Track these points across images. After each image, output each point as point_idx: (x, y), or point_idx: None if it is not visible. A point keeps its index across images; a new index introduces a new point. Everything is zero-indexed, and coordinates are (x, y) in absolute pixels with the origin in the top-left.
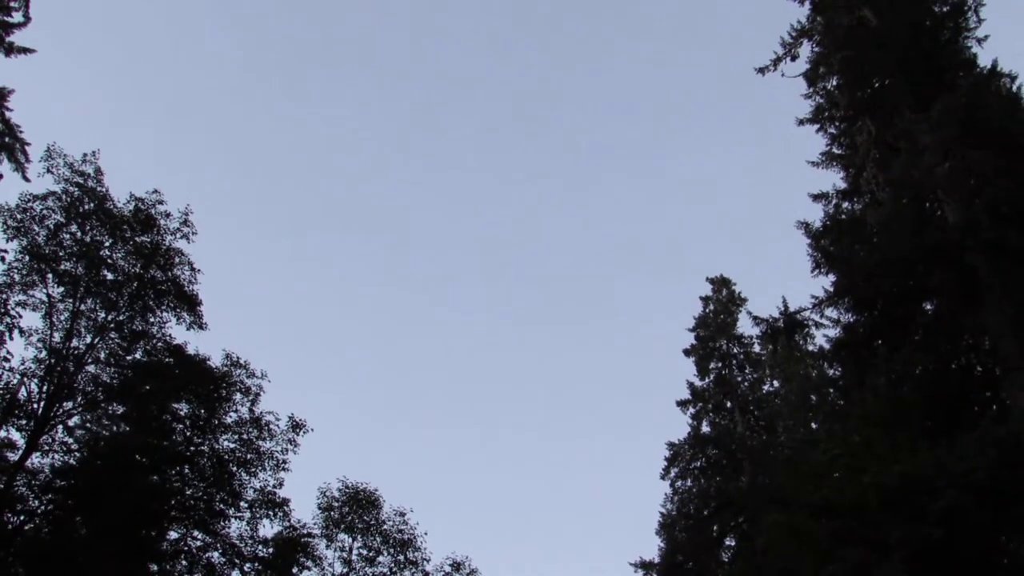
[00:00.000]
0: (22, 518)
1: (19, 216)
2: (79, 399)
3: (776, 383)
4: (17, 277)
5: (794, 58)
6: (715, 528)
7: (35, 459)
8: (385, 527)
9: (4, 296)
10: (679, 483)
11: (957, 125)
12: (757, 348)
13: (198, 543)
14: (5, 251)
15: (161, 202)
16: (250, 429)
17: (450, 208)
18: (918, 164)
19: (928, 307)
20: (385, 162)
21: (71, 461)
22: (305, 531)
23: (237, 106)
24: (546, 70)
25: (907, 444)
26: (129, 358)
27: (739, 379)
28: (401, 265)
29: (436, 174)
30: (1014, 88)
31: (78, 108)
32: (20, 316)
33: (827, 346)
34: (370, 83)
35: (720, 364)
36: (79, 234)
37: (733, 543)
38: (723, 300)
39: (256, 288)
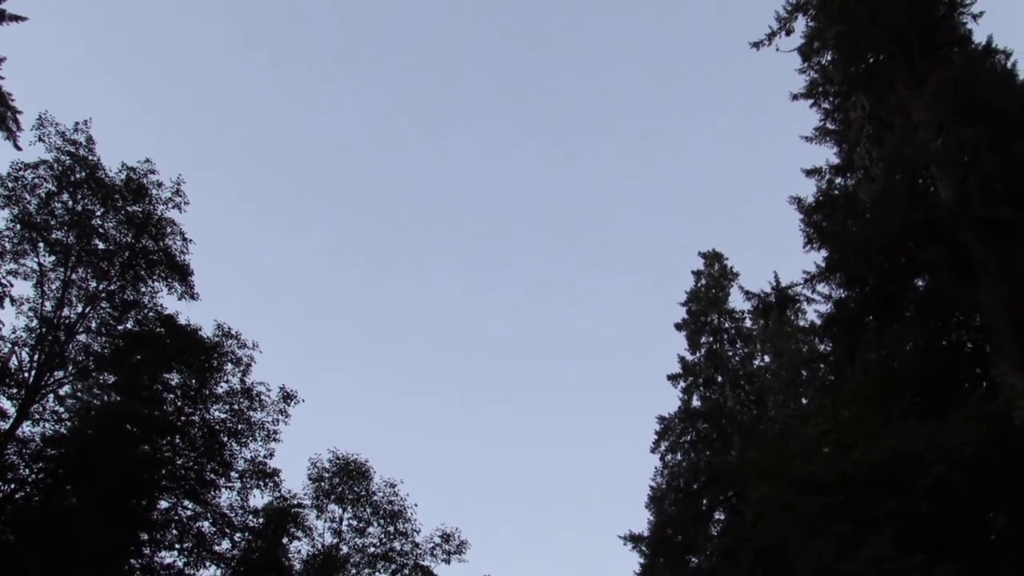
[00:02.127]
0: (12, 487)
1: (10, 184)
2: (70, 368)
3: (767, 358)
4: (8, 246)
5: (789, 32)
6: (704, 502)
7: (26, 428)
8: (375, 498)
9: None
10: (669, 457)
11: (951, 101)
12: (748, 323)
13: (188, 513)
14: None
15: (153, 171)
16: (241, 399)
17: (437, 174)
18: (911, 140)
19: (920, 283)
20: (373, 128)
21: (62, 430)
22: (295, 502)
23: (230, 74)
24: (540, 41)
25: (897, 420)
26: (120, 328)
27: (730, 354)
28: (389, 232)
29: (425, 139)
30: (1008, 65)
31: (70, 76)
32: (11, 285)
33: (818, 321)
34: (361, 52)
35: (711, 338)
36: (71, 203)
37: (722, 517)
38: (715, 274)
39: (246, 258)
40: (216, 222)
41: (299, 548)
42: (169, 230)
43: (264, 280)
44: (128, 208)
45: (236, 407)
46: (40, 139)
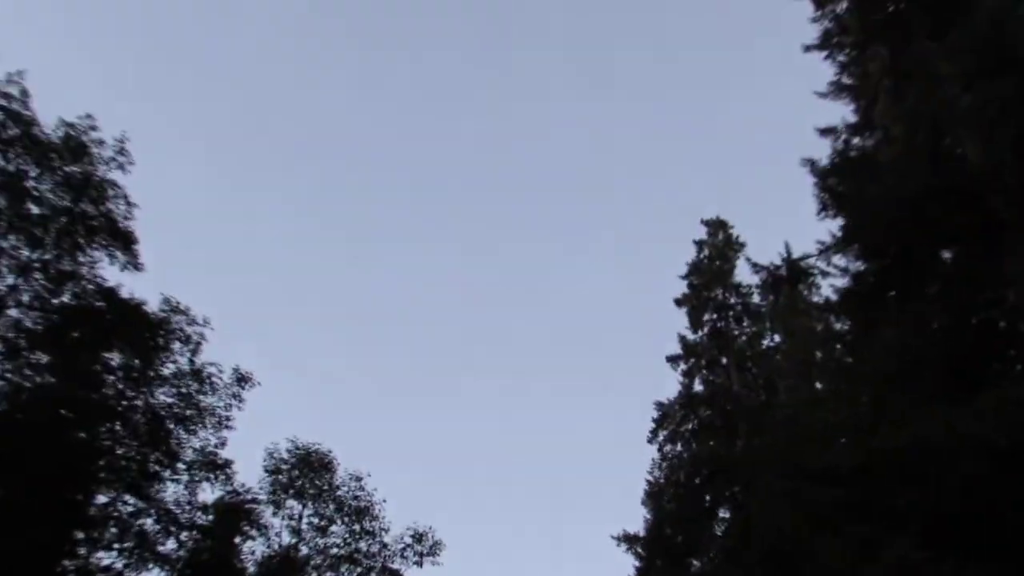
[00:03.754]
0: None
1: None
2: None
3: (777, 337)
4: None
5: None
6: (707, 497)
7: None
8: (339, 493)
9: None
10: (668, 447)
11: (978, 52)
12: (757, 298)
13: (130, 508)
14: None
15: (94, 128)
16: (190, 382)
17: (410, 135)
18: (935, 96)
19: (946, 255)
20: (336, 75)
21: None
22: (250, 496)
23: (176, 28)
24: None
25: (920, 405)
26: (56, 302)
27: (736, 332)
28: (365, 205)
29: (403, 91)
30: None
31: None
32: None
33: (834, 297)
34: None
35: (715, 316)
36: (2, 162)
37: (727, 514)
38: (719, 245)
39: (198, 226)
40: (168, 182)
41: (253, 548)
42: (111, 193)
43: (220, 252)
44: (66, 168)
45: (184, 391)
46: None
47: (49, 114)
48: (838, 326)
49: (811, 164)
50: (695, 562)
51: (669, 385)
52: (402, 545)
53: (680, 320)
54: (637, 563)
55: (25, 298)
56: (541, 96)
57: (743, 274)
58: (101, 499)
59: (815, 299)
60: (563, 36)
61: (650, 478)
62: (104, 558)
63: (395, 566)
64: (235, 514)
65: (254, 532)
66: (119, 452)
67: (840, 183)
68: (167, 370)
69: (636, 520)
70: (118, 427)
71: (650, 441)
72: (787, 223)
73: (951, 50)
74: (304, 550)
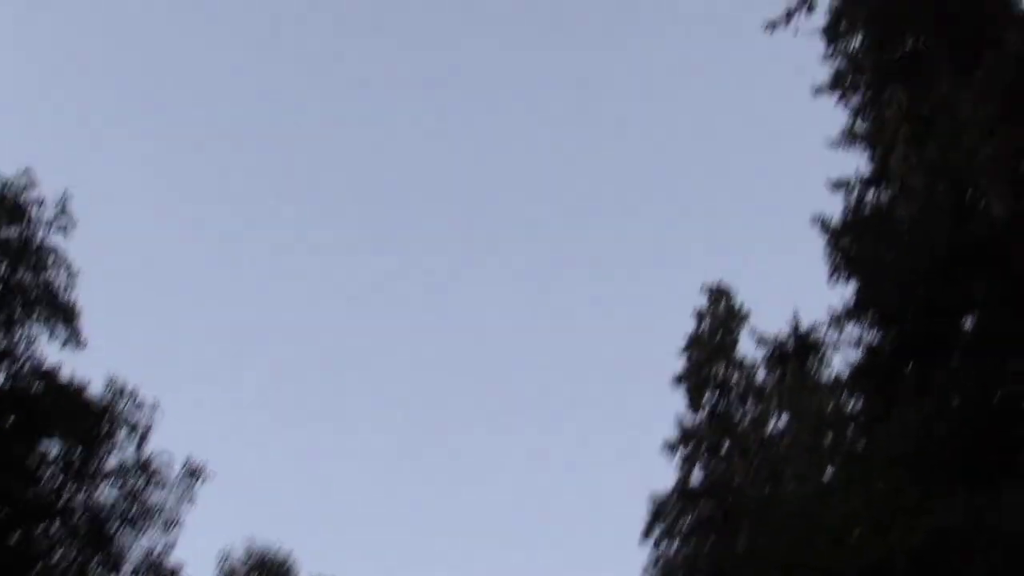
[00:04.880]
0: None
1: None
2: None
3: (784, 418)
4: None
5: (811, 8)
6: None
7: None
8: None
9: None
10: (664, 544)
11: (1003, 94)
12: (762, 375)
13: None
14: None
15: (33, 185)
16: (137, 475)
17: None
18: (957, 144)
19: (970, 322)
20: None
21: None
22: None
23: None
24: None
25: (942, 493)
26: None
27: (739, 414)
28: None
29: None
30: None
31: None
32: None
33: (846, 372)
34: None
35: (716, 395)
36: None
37: None
38: (721, 315)
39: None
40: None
41: None
42: (52, 260)
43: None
44: (1, 233)
45: (130, 486)
46: None
47: None
48: (851, 405)
49: (822, 222)
50: None
51: (669, 473)
52: None
53: (678, 400)
54: None
55: None
56: (527, 141)
57: (748, 348)
58: None
59: (826, 374)
60: (541, 85)
61: None
62: None
63: None
64: None
65: None
66: (57, 555)
67: (853, 242)
68: (111, 462)
69: None
70: (55, 527)
71: (644, 538)
72: (798, 286)
73: (975, 92)
74: None
